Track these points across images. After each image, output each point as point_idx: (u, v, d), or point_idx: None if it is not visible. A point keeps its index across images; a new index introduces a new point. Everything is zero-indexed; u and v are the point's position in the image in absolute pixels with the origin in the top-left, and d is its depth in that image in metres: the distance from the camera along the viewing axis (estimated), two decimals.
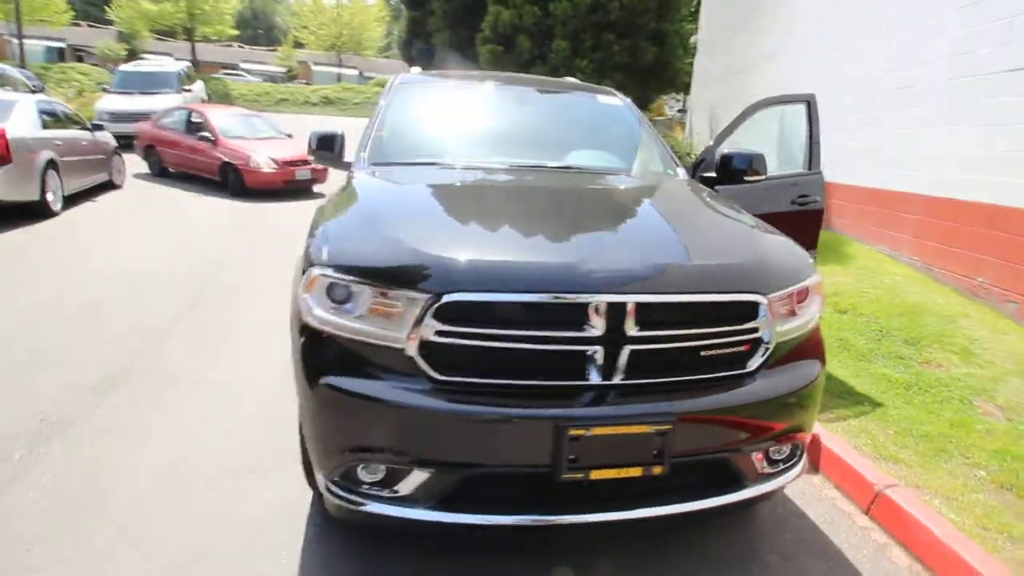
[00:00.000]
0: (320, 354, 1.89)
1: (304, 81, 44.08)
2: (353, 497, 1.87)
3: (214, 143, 10.07)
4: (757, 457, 2.05)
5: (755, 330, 1.97)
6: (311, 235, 2.15)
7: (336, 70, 47.37)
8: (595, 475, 1.80)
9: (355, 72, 47.74)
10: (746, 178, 3.19)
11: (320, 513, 2.33)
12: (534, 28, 10.99)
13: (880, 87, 6.39)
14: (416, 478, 1.83)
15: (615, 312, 1.79)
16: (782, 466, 2.14)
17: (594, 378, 1.83)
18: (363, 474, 1.88)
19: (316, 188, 10.46)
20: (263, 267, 5.78)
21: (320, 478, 1.94)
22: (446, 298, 1.74)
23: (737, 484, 2.03)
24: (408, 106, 3.28)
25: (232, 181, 9.83)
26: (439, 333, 1.76)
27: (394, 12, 59.83)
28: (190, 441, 2.83)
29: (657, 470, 1.84)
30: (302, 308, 1.93)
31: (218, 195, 9.65)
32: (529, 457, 1.79)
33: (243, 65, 46.03)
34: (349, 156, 3.02)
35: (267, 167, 9.85)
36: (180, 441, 2.82)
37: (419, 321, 1.76)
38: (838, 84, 7.02)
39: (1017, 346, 4.18)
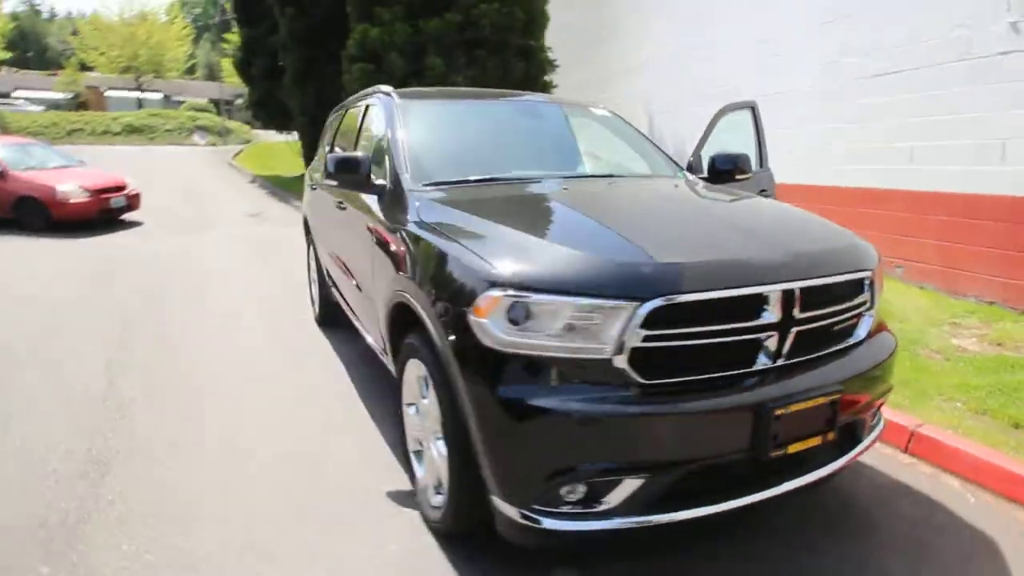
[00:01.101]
0: (514, 378, 1.84)
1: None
2: (558, 521, 1.83)
3: (2, 177, 9.18)
4: (869, 415, 2.34)
5: (864, 303, 2.26)
6: (441, 264, 2.11)
7: (136, 94, 42.78)
8: (792, 449, 1.95)
9: (159, 96, 43.47)
10: (737, 177, 3.54)
11: None
12: (405, 46, 10.91)
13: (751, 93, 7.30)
14: (628, 486, 1.84)
15: (787, 299, 1.97)
16: (879, 422, 2.45)
17: (774, 361, 1.98)
18: (566, 494, 1.85)
19: (130, 216, 10.10)
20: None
21: (509, 511, 1.87)
22: (653, 303, 1.79)
23: (857, 441, 2.29)
24: (427, 124, 3.19)
25: (32, 217, 9.01)
26: (646, 339, 1.80)
27: (196, 31, 55.50)
28: None
29: (830, 436, 2.04)
30: (480, 333, 1.86)
31: (16, 235, 8.75)
32: (735, 443, 1.90)
33: (19, 93, 39.79)
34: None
35: (77, 197, 9.15)
36: None
37: (625, 329, 1.78)
38: (705, 91, 7.89)
39: (918, 302, 5.06)
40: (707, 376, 1.89)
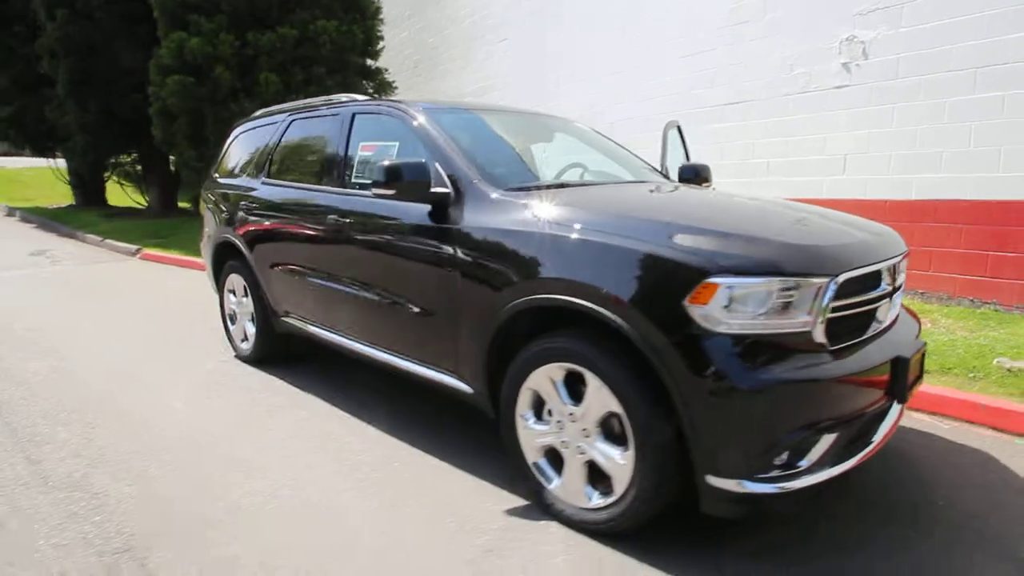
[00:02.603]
0: (737, 358, 1.92)
1: None
2: (769, 486, 1.95)
3: None
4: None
5: (904, 280, 2.75)
6: (631, 261, 2.09)
7: None
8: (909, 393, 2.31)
9: None
10: (703, 184, 3.98)
11: None
12: (233, 59, 9.94)
13: (609, 120, 8.06)
14: (824, 443, 2.02)
15: (892, 271, 2.36)
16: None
17: (883, 324, 2.34)
18: (775, 459, 1.97)
19: None
20: None
21: (727, 484, 1.95)
22: (841, 278, 2.03)
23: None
24: (465, 135, 3.06)
25: None
26: (833, 309, 2.03)
27: None
28: None
29: (922, 382, 2.46)
30: (701, 320, 1.93)
31: None
32: (881, 392, 2.19)
33: None
34: None
35: None
36: None
37: (823, 303, 1.99)
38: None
39: None
40: (860, 339, 2.18)
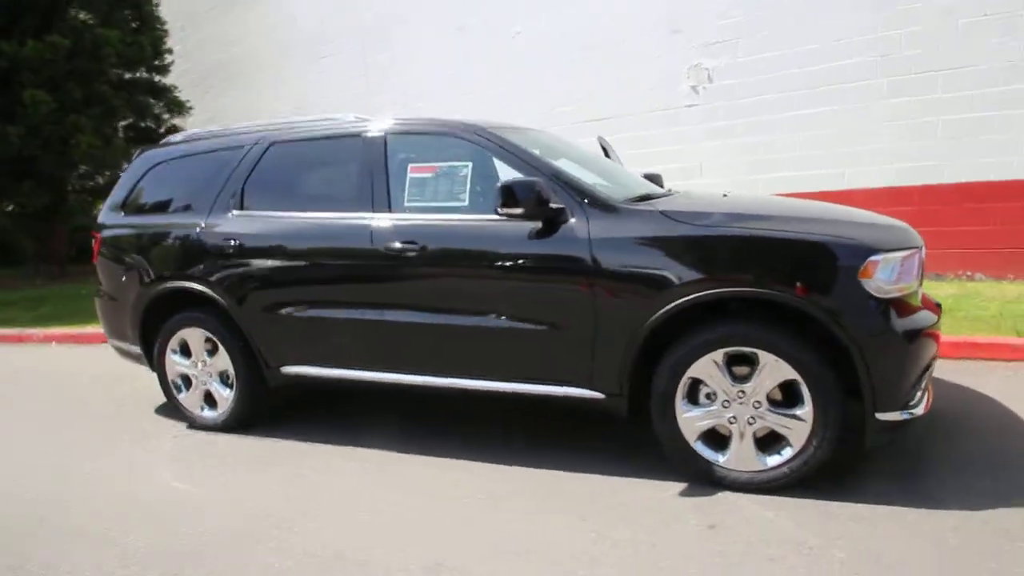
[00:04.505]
0: (896, 314, 2.45)
1: None
2: (914, 410, 2.49)
3: None
4: None
5: None
6: (800, 250, 2.49)
7: None
8: None
9: None
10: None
11: None
12: None
13: None
14: (926, 379, 2.60)
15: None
16: None
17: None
18: (915, 392, 2.52)
19: None
20: None
21: (892, 416, 2.44)
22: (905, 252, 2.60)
23: None
24: (541, 151, 3.12)
25: None
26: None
27: None
28: None
29: None
30: (871, 289, 2.40)
31: None
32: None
33: None
34: None
35: None
36: None
37: (921, 267, 2.60)
38: None
39: None
40: None
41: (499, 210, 2.71)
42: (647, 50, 7.01)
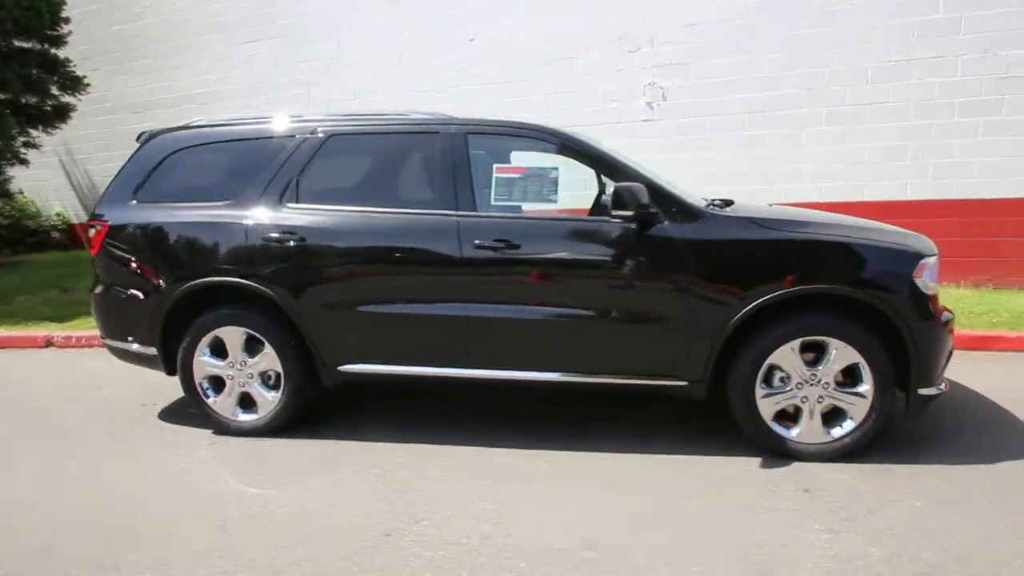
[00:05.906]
0: (937, 309, 3.01)
1: None
2: (939, 389, 3.04)
3: None
4: None
5: None
6: (868, 254, 2.97)
7: None
8: None
9: None
10: None
11: None
12: None
13: None
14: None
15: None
16: None
17: None
18: (944, 371, 3.09)
19: None
20: None
21: (931, 391, 2.98)
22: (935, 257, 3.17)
23: None
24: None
25: None
26: None
27: None
28: None
29: None
30: (922, 287, 2.93)
31: None
32: None
33: None
34: None
35: None
36: None
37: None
38: None
39: None
40: None
41: (613, 212, 2.92)
42: (605, 65, 7.41)
